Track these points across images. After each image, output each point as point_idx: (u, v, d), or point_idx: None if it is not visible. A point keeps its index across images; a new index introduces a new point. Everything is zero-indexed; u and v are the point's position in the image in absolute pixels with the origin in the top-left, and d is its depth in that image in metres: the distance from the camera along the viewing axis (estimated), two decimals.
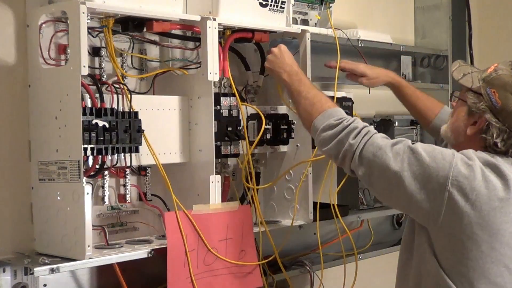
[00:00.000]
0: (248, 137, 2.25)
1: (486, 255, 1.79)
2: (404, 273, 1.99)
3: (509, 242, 1.80)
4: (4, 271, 1.93)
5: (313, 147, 2.39)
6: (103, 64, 2.05)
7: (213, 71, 2.09)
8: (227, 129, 2.17)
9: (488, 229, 1.77)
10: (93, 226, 1.88)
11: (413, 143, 1.85)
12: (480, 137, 1.88)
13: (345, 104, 2.53)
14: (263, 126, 2.27)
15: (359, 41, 2.79)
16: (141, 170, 2.15)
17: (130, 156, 1.99)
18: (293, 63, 2.19)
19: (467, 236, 1.78)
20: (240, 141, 2.22)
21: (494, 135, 1.84)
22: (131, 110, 1.98)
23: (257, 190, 2.36)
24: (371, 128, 1.92)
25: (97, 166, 1.91)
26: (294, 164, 2.39)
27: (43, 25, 1.95)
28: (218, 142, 2.14)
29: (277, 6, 2.27)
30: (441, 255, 1.84)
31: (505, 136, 1.85)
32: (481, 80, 1.90)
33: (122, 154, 1.97)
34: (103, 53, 2.04)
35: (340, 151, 1.91)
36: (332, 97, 2.45)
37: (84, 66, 1.81)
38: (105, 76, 2.05)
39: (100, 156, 1.90)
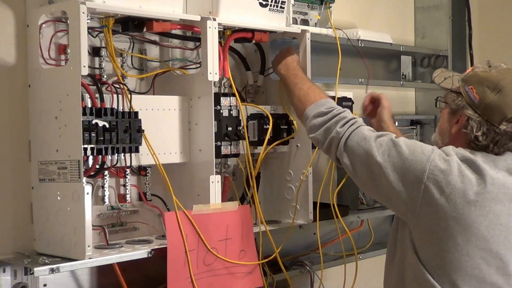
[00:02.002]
0: (248, 137, 2.25)
1: (461, 247, 1.83)
2: (390, 267, 2.05)
3: (485, 235, 1.84)
4: (4, 271, 1.93)
5: (313, 147, 2.40)
6: (103, 64, 2.05)
7: (213, 71, 2.09)
8: (227, 129, 2.17)
9: (463, 222, 1.82)
10: (93, 226, 1.87)
11: (397, 137, 1.94)
12: (462, 133, 1.94)
13: (345, 104, 2.54)
14: (270, 125, 2.29)
15: (359, 41, 2.79)
16: (141, 170, 2.15)
17: (130, 156, 1.99)
18: (293, 61, 2.30)
19: (442, 228, 1.84)
20: (240, 141, 2.22)
21: (474, 129, 1.91)
22: (131, 110, 1.98)
23: (257, 190, 2.36)
24: (360, 119, 2.03)
25: (97, 166, 1.91)
26: (294, 164, 2.39)
27: (43, 25, 1.95)
28: (218, 142, 2.14)
29: (277, 6, 2.27)
30: (419, 248, 1.89)
31: (485, 129, 1.90)
32: (460, 80, 1.99)
33: (122, 154, 1.97)
34: (103, 53, 2.04)
35: (327, 138, 2.02)
36: (332, 97, 2.46)
37: (84, 66, 1.81)
38: (105, 76, 2.05)
39: (100, 156, 1.90)
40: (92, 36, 2.03)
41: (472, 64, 3.38)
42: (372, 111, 2.43)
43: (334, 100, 2.43)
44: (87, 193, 1.82)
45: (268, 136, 2.28)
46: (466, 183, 1.83)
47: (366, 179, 1.96)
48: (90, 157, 1.89)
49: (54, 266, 1.80)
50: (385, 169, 1.88)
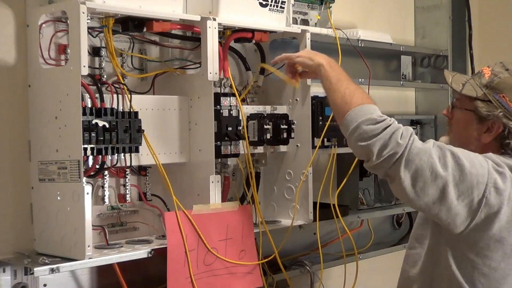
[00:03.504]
0: (248, 137, 2.25)
1: (508, 256, 1.84)
2: (414, 264, 2.00)
3: None
4: (4, 271, 1.93)
5: (313, 147, 2.40)
6: (103, 64, 2.05)
7: (213, 71, 2.09)
8: (227, 129, 2.17)
9: None
10: (93, 226, 1.88)
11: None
12: (495, 141, 1.91)
13: None
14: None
15: (359, 41, 2.79)
16: (141, 170, 2.15)
17: (130, 156, 1.99)
18: (331, 59, 2.06)
19: (495, 239, 1.83)
20: (240, 141, 2.22)
21: None
22: (131, 110, 1.98)
23: (257, 190, 2.36)
24: (411, 129, 1.86)
25: (97, 166, 1.91)
26: (294, 164, 2.39)
27: (43, 25, 1.95)
28: (218, 142, 2.14)
29: (277, 6, 2.27)
30: (460, 259, 1.86)
31: None
32: (482, 87, 1.91)
33: (122, 154, 1.97)
34: (103, 53, 2.04)
35: (384, 149, 1.79)
36: None
37: (84, 66, 1.81)
38: (105, 76, 2.05)
39: (100, 156, 1.90)
40: (92, 36, 2.03)
41: (472, 64, 3.38)
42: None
43: None
44: (87, 193, 1.82)
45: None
46: None
47: (432, 197, 1.80)
48: (90, 157, 1.89)
49: (54, 266, 1.80)
50: (448, 183, 1.78)
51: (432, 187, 1.78)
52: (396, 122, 1.85)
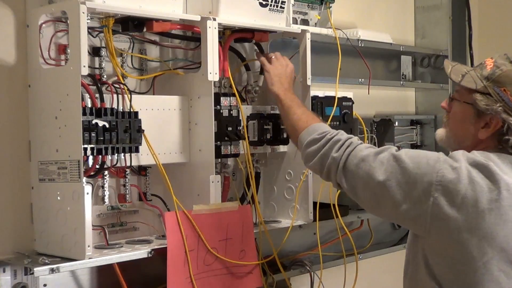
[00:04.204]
0: (248, 137, 2.25)
1: (477, 260, 1.69)
2: (405, 281, 1.92)
3: (503, 245, 1.69)
4: (4, 271, 1.93)
5: None
6: (103, 64, 2.05)
7: (213, 71, 2.09)
8: (227, 129, 2.17)
9: (477, 233, 1.68)
10: (93, 226, 1.87)
11: (398, 150, 1.79)
12: (493, 137, 1.80)
13: (345, 104, 2.54)
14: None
15: (359, 41, 2.79)
16: (141, 170, 2.15)
17: (130, 156, 1.99)
18: (289, 80, 2.23)
19: (456, 241, 1.70)
20: (240, 141, 2.22)
21: None
22: (131, 110, 1.98)
23: (257, 190, 2.36)
24: (355, 139, 1.89)
25: (97, 166, 1.91)
26: (294, 164, 2.39)
27: (43, 25, 1.95)
28: (218, 142, 2.14)
29: (277, 6, 2.27)
30: (433, 263, 1.76)
31: None
32: (483, 79, 1.80)
33: (122, 154, 1.97)
34: (103, 53, 2.04)
35: (324, 165, 1.88)
36: (332, 97, 2.46)
37: (84, 66, 1.81)
38: (105, 76, 2.05)
39: (100, 156, 1.90)
40: (92, 36, 2.03)
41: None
42: None
43: (334, 100, 2.45)
44: (87, 193, 1.82)
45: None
46: (478, 191, 1.67)
47: (369, 202, 1.82)
48: (90, 157, 1.89)
49: (54, 266, 1.80)
50: (389, 188, 1.73)
51: (369, 192, 1.79)
52: (340, 135, 1.90)
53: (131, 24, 2.03)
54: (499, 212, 1.68)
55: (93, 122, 1.87)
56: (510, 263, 1.70)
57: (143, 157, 2.03)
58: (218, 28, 2.13)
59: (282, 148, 2.41)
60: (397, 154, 1.77)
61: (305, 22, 2.56)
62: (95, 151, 1.88)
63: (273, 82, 2.21)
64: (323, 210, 2.43)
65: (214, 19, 2.10)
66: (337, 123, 2.48)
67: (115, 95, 1.96)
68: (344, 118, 2.52)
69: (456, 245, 1.70)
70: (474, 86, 1.81)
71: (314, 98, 2.43)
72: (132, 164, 2.01)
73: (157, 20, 2.03)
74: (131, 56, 2.15)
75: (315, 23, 2.58)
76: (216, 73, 2.10)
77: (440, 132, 1.95)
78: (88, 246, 1.82)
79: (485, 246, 1.68)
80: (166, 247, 2.00)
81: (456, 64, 1.94)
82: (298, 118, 2.06)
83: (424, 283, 1.78)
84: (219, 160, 2.24)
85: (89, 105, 1.89)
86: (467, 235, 1.68)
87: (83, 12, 1.81)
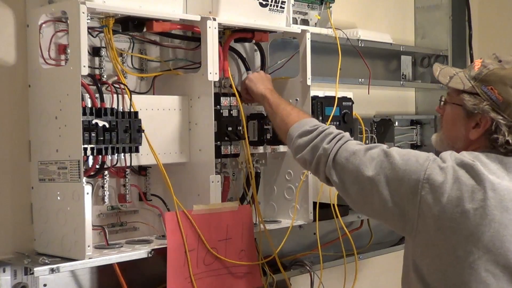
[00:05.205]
0: (248, 137, 2.25)
1: (463, 260, 1.67)
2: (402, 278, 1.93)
3: (489, 246, 1.66)
4: (4, 271, 1.93)
5: None
6: (103, 64, 2.05)
7: (213, 71, 2.09)
8: (227, 129, 2.17)
9: (462, 233, 1.66)
10: (93, 226, 1.88)
11: (389, 148, 1.79)
12: (485, 137, 1.79)
13: (345, 104, 2.53)
14: None
15: (359, 41, 2.79)
16: (141, 170, 2.15)
17: (130, 156, 1.99)
18: (270, 82, 2.24)
19: (442, 241, 1.68)
20: (240, 141, 2.22)
21: (506, 133, 1.74)
22: (131, 110, 1.98)
23: (257, 190, 2.36)
24: (346, 134, 1.90)
25: (97, 166, 1.91)
26: (294, 164, 2.39)
27: (43, 25, 1.95)
28: (218, 142, 2.14)
29: (277, 6, 2.27)
30: (421, 265, 1.75)
31: None
32: (471, 79, 1.80)
33: (122, 154, 1.97)
34: (103, 53, 2.04)
35: (314, 156, 1.88)
36: (332, 97, 2.46)
37: (84, 66, 1.81)
38: (105, 76, 2.05)
39: (100, 156, 1.90)
40: (92, 36, 2.03)
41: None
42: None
43: (334, 100, 2.45)
44: (87, 193, 1.82)
45: None
46: (463, 190, 1.66)
47: (357, 197, 1.81)
48: (90, 157, 1.89)
49: (54, 266, 1.80)
50: (377, 183, 1.73)
51: (358, 187, 1.78)
52: (332, 128, 1.92)
53: (131, 24, 2.03)
54: (484, 212, 1.66)
55: (93, 122, 1.87)
56: (497, 264, 1.67)
57: (143, 157, 2.03)
58: (218, 28, 2.13)
59: (282, 148, 2.41)
60: (388, 151, 1.77)
61: (305, 22, 2.56)
62: (95, 151, 1.88)
63: (257, 84, 2.21)
64: (323, 210, 2.43)
65: (214, 19, 2.10)
66: (337, 123, 2.48)
67: (115, 95, 1.96)
68: (344, 118, 2.52)
69: (442, 245, 1.69)
70: (462, 87, 1.81)
71: (314, 98, 2.43)
72: (132, 164, 2.01)
73: (157, 20, 2.03)
74: (131, 56, 2.15)
75: (315, 23, 2.58)
76: (216, 73, 2.10)
77: (435, 137, 1.96)
78: (88, 246, 1.82)
79: (471, 246, 1.67)
80: (166, 247, 2.00)
81: (445, 67, 1.94)
82: (288, 113, 2.06)
83: (414, 284, 1.77)
84: (219, 160, 2.24)
85: (89, 105, 1.89)
86: (451, 234, 1.67)
87: (83, 12, 1.81)
